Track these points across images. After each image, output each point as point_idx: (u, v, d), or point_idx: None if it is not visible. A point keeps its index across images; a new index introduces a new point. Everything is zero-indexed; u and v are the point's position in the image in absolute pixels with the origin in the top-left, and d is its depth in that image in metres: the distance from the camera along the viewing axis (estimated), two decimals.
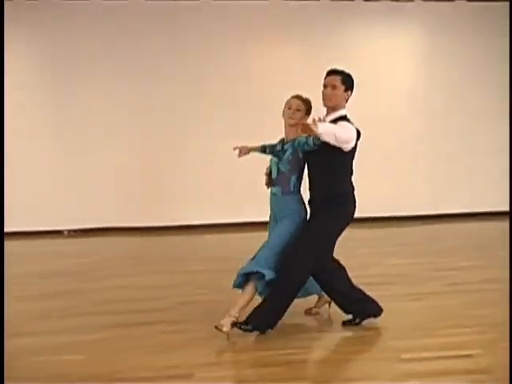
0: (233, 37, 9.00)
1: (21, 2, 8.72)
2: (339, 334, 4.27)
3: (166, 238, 8.59)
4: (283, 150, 4.41)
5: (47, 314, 4.93)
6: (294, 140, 4.33)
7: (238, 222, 9.04)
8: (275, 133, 8.37)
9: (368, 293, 4.46)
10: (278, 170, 4.40)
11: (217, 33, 8.96)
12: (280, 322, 4.24)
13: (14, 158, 8.64)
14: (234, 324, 4.16)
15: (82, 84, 8.83)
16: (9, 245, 8.40)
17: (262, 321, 4.15)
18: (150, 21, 8.85)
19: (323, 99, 4.24)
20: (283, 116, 4.41)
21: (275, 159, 4.45)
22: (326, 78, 4.27)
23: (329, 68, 4.28)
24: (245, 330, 4.14)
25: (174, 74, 8.91)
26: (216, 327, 4.15)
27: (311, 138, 4.12)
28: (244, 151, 4.66)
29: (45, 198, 8.82)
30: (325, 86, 4.24)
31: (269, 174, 4.50)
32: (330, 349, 4.02)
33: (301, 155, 4.31)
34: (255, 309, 4.19)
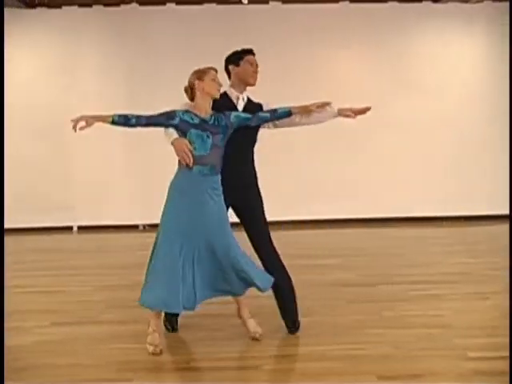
0: (299, 39, 9.09)
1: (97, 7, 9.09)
2: (404, 331, 4.33)
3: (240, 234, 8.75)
4: (213, 122, 4.03)
5: (125, 303, 5.17)
6: (224, 112, 4.08)
7: (305, 220, 9.14)
8: (339, 135, 8.52)
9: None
10: (212, 144, 4.01)
11: (283, 35, 9.06)
12: (344, 317, 4.34)
13: (95, 151, 9.03)
14: None
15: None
16: (88, 238, 8.83)
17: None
18: (218, 23, 9.03)
19: (253, 77, 4.32)
20: (212, 81, 4.03)
21: (203, 132, 3.98)
22: (248, 55, 4.37)
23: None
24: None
25: None
26: (255, 338, 4.19)
27: (251, 115, 4.13)
28: (83, 124, 3.84)
29: (122, 192, 9.12)
30: (252, 64, 4.33)
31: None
32: (395, 345, 4.07)
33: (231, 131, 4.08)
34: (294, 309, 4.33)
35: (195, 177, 3.99)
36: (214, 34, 8.91)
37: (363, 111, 4.23)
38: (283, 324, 4.34)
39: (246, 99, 4.35)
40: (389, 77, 9.18)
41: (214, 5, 9.16)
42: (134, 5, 9.08)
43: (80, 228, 9.13)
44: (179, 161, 4.04)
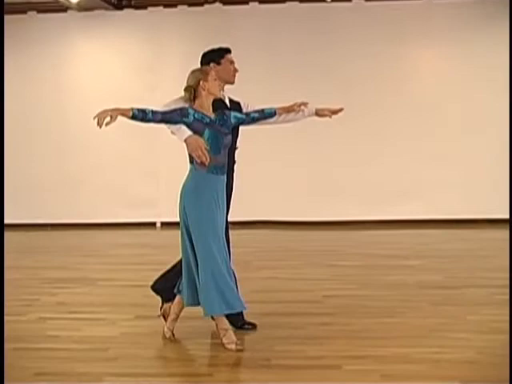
0: (380, 35, 8.99)
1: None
2: (489, 336, 4.22)
3: (317, 232, 8.78)
4: (219, 122, 4.00)
5: None
6: (225, 112, 4.08)
7: (386, 220, 9.04)
8: (422, 133, 8.36)
9: None
10: (224, 144, 3.98)
11: (366, 33, 8.97)
12: (427, 320, 4.28)
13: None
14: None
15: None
16: (171, 234, 9.00)
17: None
18: (301, 21, 9.02)
19: (234, 76, 4.42)
20: (215, 80, 4.06)
21: (216, 132, 3.96)
22: (229, 54, 4.51)
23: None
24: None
25: (321, 74, 9.03)
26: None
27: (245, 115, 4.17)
28: (108, 119, 3.77)
29: None
30: (233, 63, 4.40)
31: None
32: (479, 350, 3.98)
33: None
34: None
35: (210, 176, 3.98)
36: (297, 33, 8.93)
37: (337, 112, 4.44)
38: (367, 324, 4.31)
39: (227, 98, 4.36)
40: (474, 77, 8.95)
41: (297, 3, 9.16)
42: (218, 4, 9.20)
43: (163, 224, 9.33)
44: (192, 160, 4.01)
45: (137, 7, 9.32)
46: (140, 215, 9.31)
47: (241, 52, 9.08)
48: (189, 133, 3.94)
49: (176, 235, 8.64)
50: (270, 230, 8.81)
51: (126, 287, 5.82)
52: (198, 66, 9.50)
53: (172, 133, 4.11)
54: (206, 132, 3.92)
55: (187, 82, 4.11)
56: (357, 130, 8.98)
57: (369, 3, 9.11)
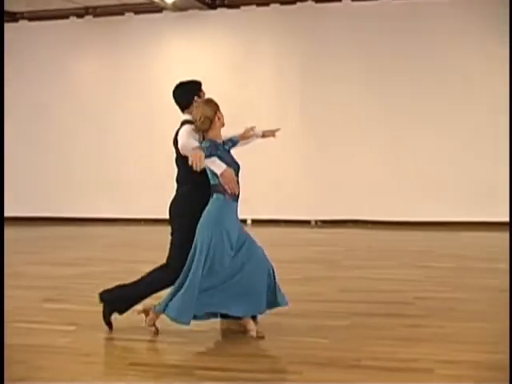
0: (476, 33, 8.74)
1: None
2: None
3: (409, 232, 8.62)
4: (228, 151, 4.37)
5: (299, 297, 5.29)
6: (223, 142, 4.38)
7: (472, 221, 8.77)
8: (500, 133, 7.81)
9: None
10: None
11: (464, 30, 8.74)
12: None
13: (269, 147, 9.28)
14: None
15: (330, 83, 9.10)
16: (261, 231, 9.08)
17: None
18: (394, 20, 8.85)
19: None
20: (220, 119, 4.41)
21: (233, 161, 4.34)
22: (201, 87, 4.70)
23: None
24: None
25: (416, 73, 8.84)
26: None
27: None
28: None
29: (298, 189, 9.27)
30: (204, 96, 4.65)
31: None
32: None
33: None
34: None
35: (234, 204, 4.30)
36: (390, 32, 8.80)
37: (274, 132, 5.06)
38: (459, 327, 4.21)
39: None
40: None
41: (389, 0, 9.00)
42: (310, 2, 9.18)
43: (254, 221, 9.42)
44: (220, 189, 4.20)
45: (230, 6, 9.44)
46: None
47: (333, 51, 9.11)
48: (224, 166, 4.19)
49: (268, 232, 8.87)
50: (360, 230, 8.73)
51: None
52: (290, 65, 9.56)
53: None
54: (228, 163, 4.23)
55: (203, 113, 4.30)
56: (449, 128, 8.78)
57: None
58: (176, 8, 9.24)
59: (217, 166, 4.18)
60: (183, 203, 4.47)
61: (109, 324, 4.49)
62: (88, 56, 9.92)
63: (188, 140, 4.31)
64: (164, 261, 4.47)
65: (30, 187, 9.92)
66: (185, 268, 4.19)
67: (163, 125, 9.63)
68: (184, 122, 4.52)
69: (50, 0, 9.28)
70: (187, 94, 4.70)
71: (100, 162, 9.79)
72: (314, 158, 9.21)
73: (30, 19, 10.07)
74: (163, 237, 8.52)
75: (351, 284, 5.73)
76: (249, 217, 9.47)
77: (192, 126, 4.38)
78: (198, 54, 9.62)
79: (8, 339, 4.49)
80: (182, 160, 4.31)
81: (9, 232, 9.18)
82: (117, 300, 4.48)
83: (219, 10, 9.50)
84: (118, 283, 5.12)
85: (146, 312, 4.43)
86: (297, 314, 4.79)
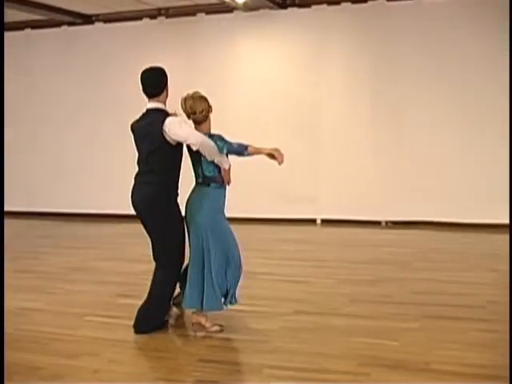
0: None
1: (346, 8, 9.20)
2: None
3: (481, 235, 8.40)
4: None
5: (369, 298, 5.25)
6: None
7: None
8: None
9: None
10: None
11: None
12: None
13: (341, 146, 9.23)
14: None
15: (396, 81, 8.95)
16: (330, 232, 9.05)
17: None
18: (467, 17, 8.61)
19: None
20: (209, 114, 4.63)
21: None
22: None
23: None
24: None
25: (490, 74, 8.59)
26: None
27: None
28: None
29: (369, 188, 9.16)
30: None
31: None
32: None
33: None
34: None
35: (224, 191, 4.66)
36: (461, 29, 8.58)
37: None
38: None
39: None
40: None
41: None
42: (382, 0, 9.04)
43: (323, 221, 9.37)
44: (219, 180, 4.53)
45: (301, 6, 9.41)
46: (301, 212, 9.41)
47: (405, 50, 8.94)
48: (228, 161, 4.56)
49: (338, 232, 8.81)
50: (431, 231, 8.55)
51: (286, 282, 5.91)
52: (361, 65, 9.43)
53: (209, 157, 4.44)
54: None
55: (204, 106, 4.59)
56: None
57: None
58: (247, 8, 9.28)
59: (225, 161, 4.50)
60: (166, 202, 4.46)
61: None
62: (160, 56, 10.05)
63: (202, 136, 4.42)
64: None
65: (95, 185, 10.17)
66: (194, 256, 4.41)
67: (235, 123, 9.74)
68: (155, 110, 4.45)
69: (124, 2, 9.48)
70: (163, 81, 4.55)
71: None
72: (384, 158, 9.07)
73: (105, 21, 10.33)
74: None
75: (422, 286, 5.63)
76: (318, 217, 9.43)
77: (180, 118, 4.44)
78: (269, 54, 9.63)
79: (81, 332, 4.63)
80: (169, 152, 4.40)
81: (78, 228, 9.48)
82: (149, 323, 4.50)
83: (290, 10, 9.48)
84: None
85: (197, 323, 4.51)
86: (366, 316, 4.75)
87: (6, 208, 10.62)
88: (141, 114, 4.54)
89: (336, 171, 9.28)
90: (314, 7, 9.35)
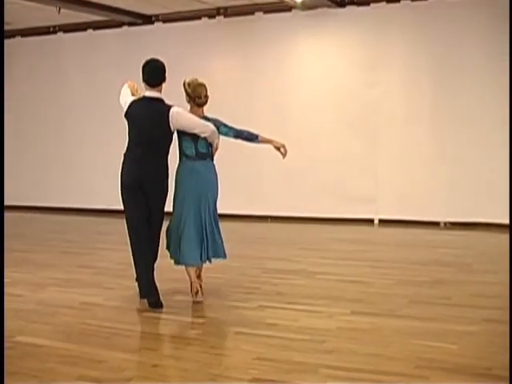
0: None
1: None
2: None
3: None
4: None
5: (427, 300, 5.18)
6: None
7: None
8: None
9: None
10: None
11: None
12: None
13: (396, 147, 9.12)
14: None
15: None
16: (388, 232, 8.96)
17: None
18: None
19: None
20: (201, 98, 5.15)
21: None
22: None
23: None
24: None
25: None
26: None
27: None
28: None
29: (426, 188, 9.03)
30: None
31: None
32: None
33: None
34: None
35: None
36: None
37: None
38: None
39: None
40: None
41: None
42: None
43: (381, 221, 9.28)
44: (211, 156, 5.27)
45: (359, 4, 9.33)
46: (358, 211, 9.34)
47: (467, 51, 8.75)
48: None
49: (396, 232, 8.71)
50: (491, 233, 8.37)
51: (344, 282, 5.88)
52: (420, 65, 9.25)
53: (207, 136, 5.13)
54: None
55: (203, 91, 5.15)
56: None
57: None
58: (305, 7, 9.26)
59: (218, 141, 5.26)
60: (166, 179, 5.14)
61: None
62: (219, 55, 10.16)
63: (208, 125, 5.11)
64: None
65: None
66: (193, 218, 5.12)
67: (292, 122, 9.76)
68: (156, 99, 5.04)
69: (183, 1, 9.58)
70: (165, 73, 5.06)
71: (237, 159, 9.92)
72: (443, 158, 8.92)
73: (164, 21, 10.46)
74: (290, 234, 8.66)
75: (483, 289, 5.51)
76: (376, 217, 9.34)
77: (183, 109, 5.12)
78: (326, 53, 9.59)
79: (139, 327, 4.72)
80: (171, 138, 5.11)
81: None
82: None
83: (348, 8, 9.40)
84: (245, 279, 5.22)
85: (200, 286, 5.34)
86: (424, 318, 4.68)
87: (69, 205, 10.98)
88: (137, 99, 5.13)
89: (394, 171, 9.17)
90: (372, 5, 9.26)
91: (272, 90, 9.83)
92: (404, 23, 9.10)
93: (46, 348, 4.15)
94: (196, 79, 5.16)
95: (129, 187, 5.00)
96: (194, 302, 5.20)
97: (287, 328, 4.50)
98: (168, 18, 10.40)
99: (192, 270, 5.24)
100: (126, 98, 5.17)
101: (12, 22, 10.59)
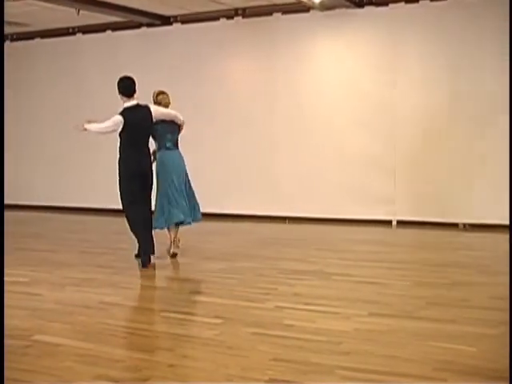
0: None
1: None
2: None
3: None
4: None
5: (445, 301, 5.16)
6: None
7: None
8: None
9: None
10: None
11: None
12: None
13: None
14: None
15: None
16: (406, 233, 8.91)
17: None
18: None
19: None
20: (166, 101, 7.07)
21: None
22: None
23: None
24: None
25: None
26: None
27: None
28: None
29: (443, 190, 8.98)
30: None
31: None
32: None
33: None
34: None
35: None
36: None
37: None
38: None
39: None
40: None
41: None
42: None
43: (399, 222, 9.24)
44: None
45: (378, 4, 9.29)
46: (376, 213, 9.30)
47: (483, 51, 8.68)
48: None
49: (414, 233, 8.67)
50: (499, 234, 8.29)
51: (361, 283, 5.86)
52: (439, 65, 9.16)
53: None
54: None
55: (168, 101, 7.09)
56: None
57: None
58: (323, 7, 9.24)
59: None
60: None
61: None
62: (237, 56, 10.17)
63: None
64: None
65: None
66: (178, 188, 6.89)
67: (311, 123, 9.75)
68: (140, 105, 6.60)
69: (201, 2, 9.60)
70: (135, 85, 6.57)
71: (255, 160, 9.95)
72: (461, 158, 8.86)
73: (183, 22, 10.49)
74: (307, 235, 8.65)
75: (502, 291, 5.44)
76: (394, 218, 9.30)
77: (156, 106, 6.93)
78: (345, 53, 9.56)
79: (156, 327, 4.74)
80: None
81: None
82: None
83: (367, 9, 9.37)
84: (262, 279, 5.20)
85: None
86: (442, 320, 4.65)
87: (88, 205, 11.05)
88: (126, 108, 6.50)
89: (413, 172, 9.12)
90: (391, 6, 9.22)
91: (290, 91, 9.82)
92: (422, 23, 9.04)
93: (63, 347, 4.18)
94: (161, 90, 7.10)
95: (137, 175, 6.51)
96: (172, 256, 6.87)
97: (304, 329, 4.49)
98: (186, 19, 10.43)
99: (173, 230, 6.90)
100: (111, 118, 6.45)
101: (31, 23, 10.69)
